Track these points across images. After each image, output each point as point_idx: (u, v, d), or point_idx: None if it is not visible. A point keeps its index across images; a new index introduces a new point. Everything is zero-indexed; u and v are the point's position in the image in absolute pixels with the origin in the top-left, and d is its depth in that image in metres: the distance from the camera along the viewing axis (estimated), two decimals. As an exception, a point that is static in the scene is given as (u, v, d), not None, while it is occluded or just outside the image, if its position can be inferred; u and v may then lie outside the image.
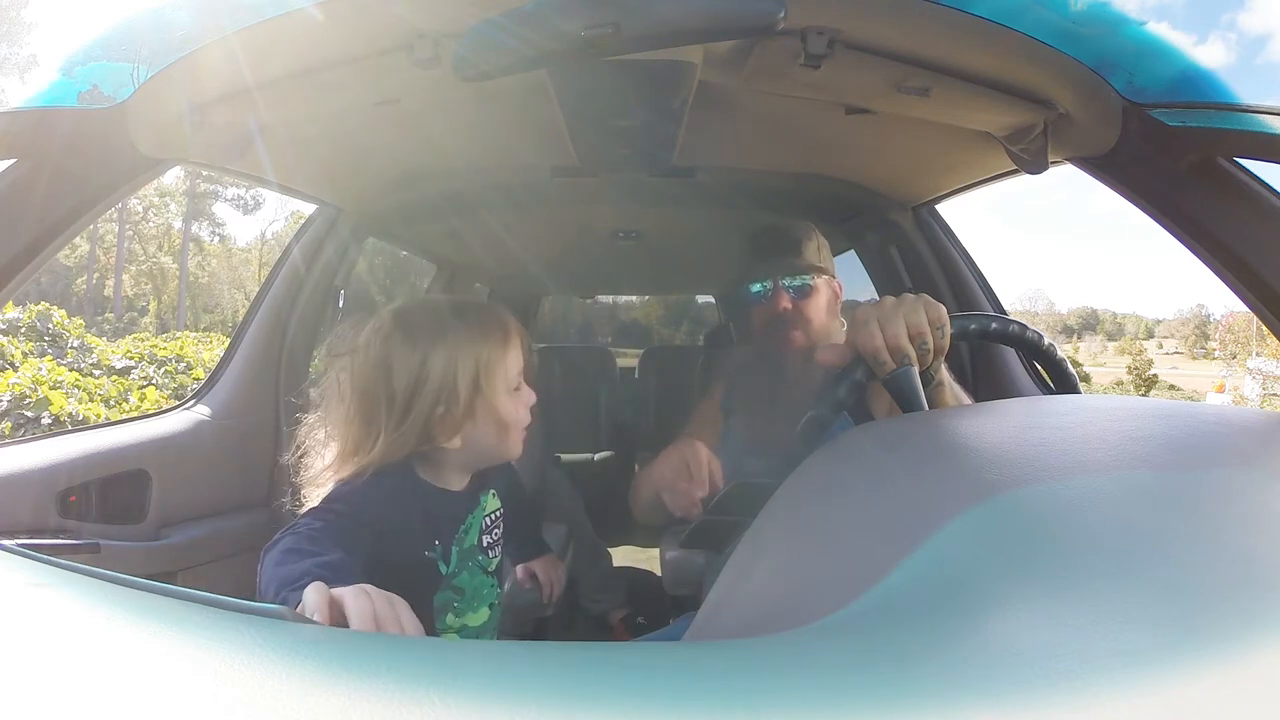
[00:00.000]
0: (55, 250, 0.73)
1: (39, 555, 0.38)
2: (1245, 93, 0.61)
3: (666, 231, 2.07)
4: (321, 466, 0.76)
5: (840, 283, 1.22)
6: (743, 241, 1.26)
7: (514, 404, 0.80)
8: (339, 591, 0.50)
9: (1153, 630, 0.27)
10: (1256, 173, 0.66)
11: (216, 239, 33.09)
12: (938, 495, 0.40)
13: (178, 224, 31.62)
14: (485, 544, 0.86)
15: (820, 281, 1.15)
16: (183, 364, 7.77)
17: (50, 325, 7.17)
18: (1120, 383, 28.77)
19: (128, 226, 29.92)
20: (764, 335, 1.18)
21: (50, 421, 4.46)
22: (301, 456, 0.79)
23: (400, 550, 0.75)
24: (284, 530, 0.68)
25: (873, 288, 1.70)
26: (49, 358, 6.18)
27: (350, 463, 0.74)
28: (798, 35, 0.74)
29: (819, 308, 1.15)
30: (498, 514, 0.90)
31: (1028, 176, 0.95)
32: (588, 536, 2.04)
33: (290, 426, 0.81)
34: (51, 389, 4.79)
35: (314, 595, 0.50)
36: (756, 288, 1.17)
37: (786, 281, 1.14)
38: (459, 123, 1.21)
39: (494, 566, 0.88)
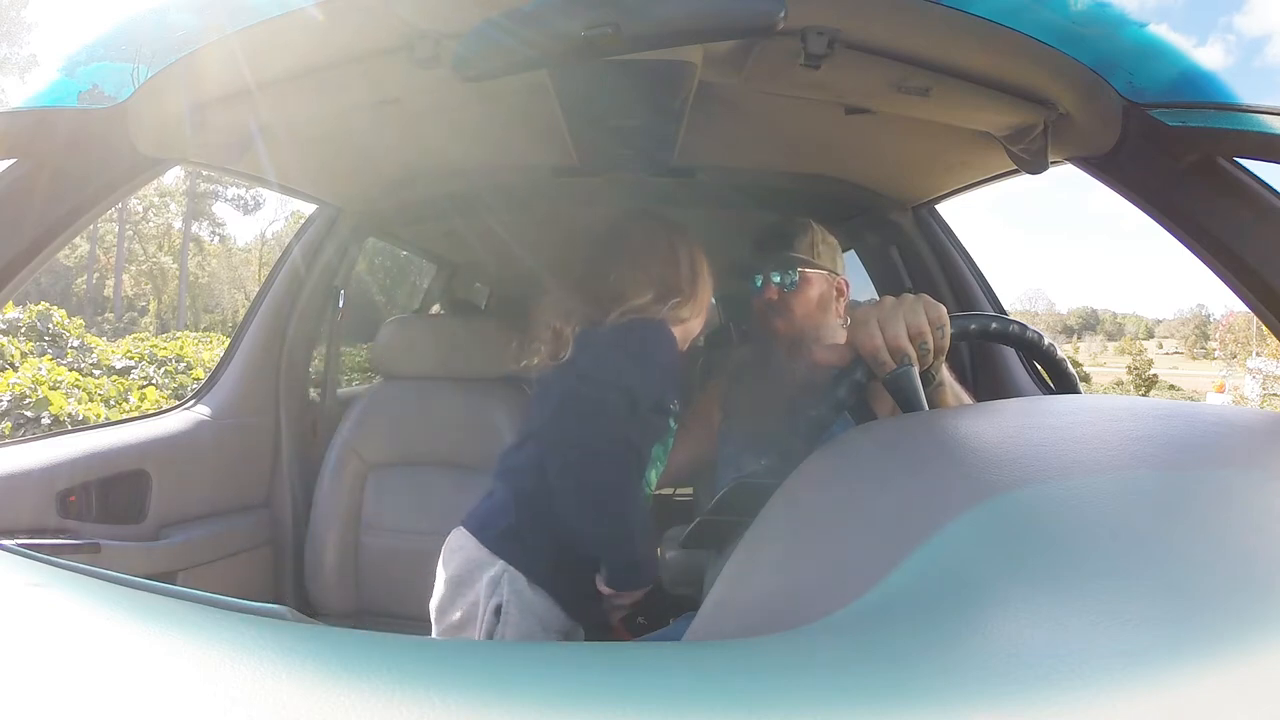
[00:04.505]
0: (55, 250, 0.73)
1: (39, 555, 0.38)
2: (1243, 95, 0.61)
3: None
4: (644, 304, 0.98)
5: (846, 280, 1.22)
6: (743, 241, 1.26)
7: None
8: None
9: (1153, 630, 0.27)
10: (1256, 173, 0.66)
11: (216, 239, 33.05)
12: (938, 495, 0.40)
13: (178, 224, 31.57)
14: None
15: (812, 275, 1.16)
16: (183, 364, 7.76)
17: (50, 325, 7.16)
18: (1120, 383, 28.72)
19: (128, 226, 29.88)
20: (757, 329, 1.20)
21: (50, 421, 4.46)
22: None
23: (669, 393, 0.98)
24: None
25: (873, 288, 1.70)
26: (49, 358, 6.17)
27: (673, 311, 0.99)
28: (798, 35, 0.74)
29: (806, 300, 1.15)
30: None
31: (1028, 176, 0.95)
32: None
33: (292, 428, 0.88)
34: (51, 389, 4.79)
35: None
36: (752, 281, 1.19)
37: (774, 275, 1.16)
38: (459, 123, 1.21)
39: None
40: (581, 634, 1.01)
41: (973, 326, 0.72)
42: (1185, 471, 0.40)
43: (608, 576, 0.93)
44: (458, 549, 0.98)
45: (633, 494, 0.94)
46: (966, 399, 0.82)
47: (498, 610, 0.92)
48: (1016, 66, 0.75)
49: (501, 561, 0.94)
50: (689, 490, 1.70)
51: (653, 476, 1.03)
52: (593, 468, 0.89)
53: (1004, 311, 1.54)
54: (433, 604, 0.99)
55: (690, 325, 1.04)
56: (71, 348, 7.12)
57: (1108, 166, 0.75)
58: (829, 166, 1.43)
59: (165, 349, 8.26)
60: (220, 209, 32.21)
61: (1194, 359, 49.21)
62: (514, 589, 0.93)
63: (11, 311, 6.93)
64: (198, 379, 6.96)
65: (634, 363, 0.94)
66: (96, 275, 30.42)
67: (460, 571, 0.96)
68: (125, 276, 30.71)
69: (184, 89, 0.73)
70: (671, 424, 1.01)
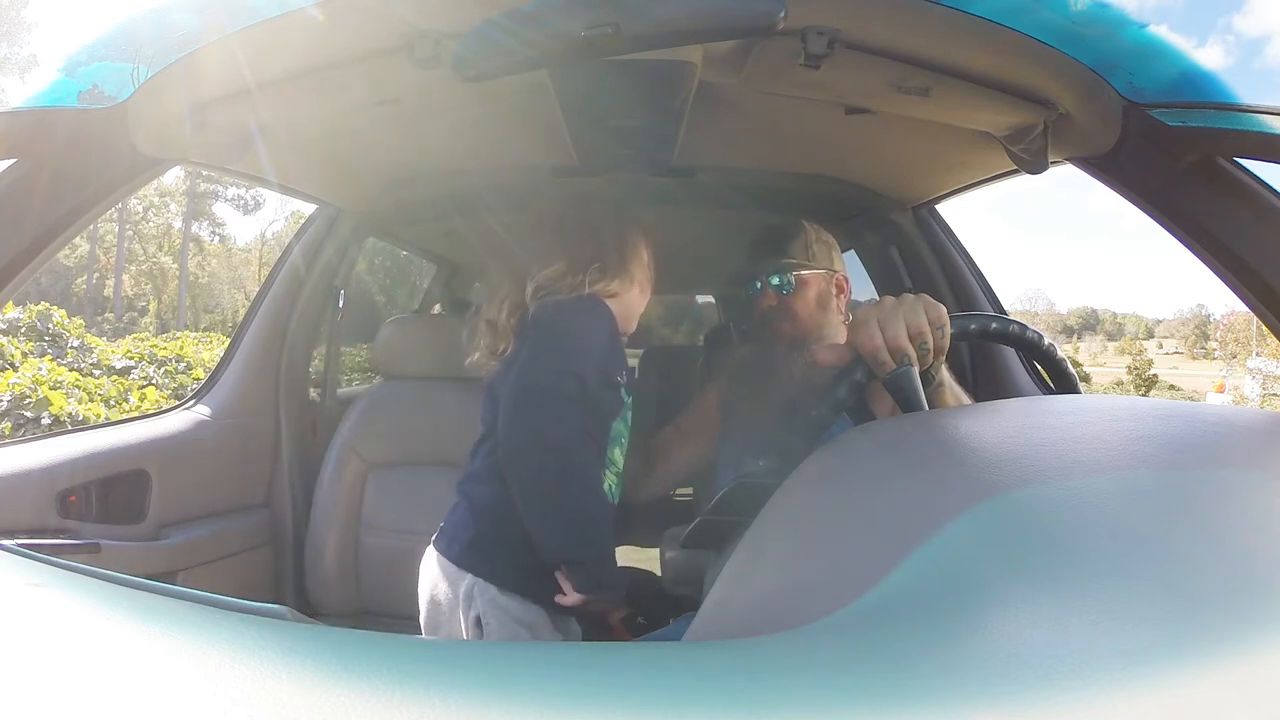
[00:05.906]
0: (55, 250, 0.73)
1: (39, 555, 0.38)
2: (1243, 95, 0.61)
3: (667, 232, 2.07)
4: (556, 273, 0.98)
5: (845, 277, 1.22)
6: (743, 241, 1.27)
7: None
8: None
9: (1153, 630, 0.27)
10: (1256, 173, 0.66)
11: (216, 239, 33.04)
12: (938, 495, 0.39)
13: (178, 224, 31.55)
14: None
15: (809, 276, 1.17)
16: (183, 364, 7.76)
17: (50, 325, 7.15)
18: (1120, 383, 28.67)
19: (128, 226, 29.85)
20: (757, 333, 1.21)
21: (50, 421, 4.46)
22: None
23: (615, 367, 0.97)
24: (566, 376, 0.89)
25: (873, 288, 1.70)
26: (49, 358, 6.16)
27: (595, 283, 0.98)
28: (798, 35, 0.74)
29: (806, 302, 1.16)
30: None
31: (1028, 176, 0.95)
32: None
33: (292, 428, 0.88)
34: (51, 389, 4.78)
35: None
36: (750, 288, 1.20)
37: (772, 279, 1.17)
38: (459, 123, 1.21)
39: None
40: (577, 629, 1.00)
41: (973, 326, 0.72)
42: (1185, 471, 0.40)
43: (575, 582, 0.90)
44: (429, 569, 0.99)
45: (596, 492, 0.93)
46: (966, 399, 0.82)
47: (478, 622, 0.92)
48: (1016, 66, 0.75)
49: (470, 575, 0.93)
50: (689, 490, 1.70)
51: (617, 455, 1.01)
52: (551, 469, 0.87)
53: (1004, 311, 1.54)
54: (421, 622, 1.00)
55: (625, 300, 1.02)
56: (71, 348, 7.11)
57: (1108, 166, 0.75)
58: (829, 166, 1.43)
59: (165, 349, 8.25)
60: (220, 209, 32.22)
61: (1194, 359, 49.18)
62: (486, 599, 0.92)
63: (11, 311, 6.92)
64: (198, 379, 6.95)
65: (570, 343, 0.93)
66: (96, 275, 30.40)
67: (435, 591, 0.97)
68: (125, 276, 30.69)
69: (184, 89, 0.73)
70: (625, 396, 1.00)
